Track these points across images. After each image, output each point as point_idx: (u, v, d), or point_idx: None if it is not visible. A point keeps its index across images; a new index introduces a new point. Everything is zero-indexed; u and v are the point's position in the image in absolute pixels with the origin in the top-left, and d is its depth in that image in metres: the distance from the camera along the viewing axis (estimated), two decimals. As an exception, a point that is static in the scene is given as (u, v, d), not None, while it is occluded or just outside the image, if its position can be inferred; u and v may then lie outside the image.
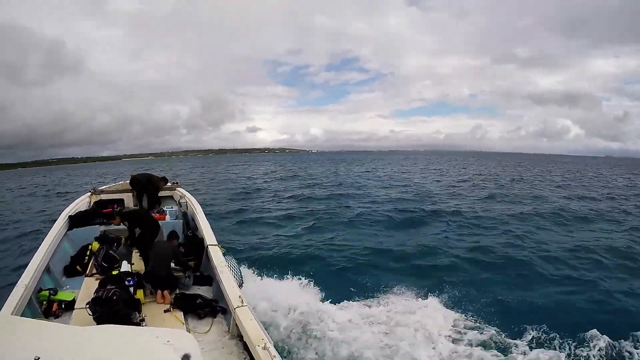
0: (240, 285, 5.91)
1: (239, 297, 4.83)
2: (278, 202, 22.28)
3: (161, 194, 10.63)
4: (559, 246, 12.38)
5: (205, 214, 8.32)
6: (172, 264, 6.25)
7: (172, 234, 6.90)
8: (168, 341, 2.67)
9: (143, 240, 7.12)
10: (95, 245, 7.30)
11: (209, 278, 6.54)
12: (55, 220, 8.14)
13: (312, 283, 8.48)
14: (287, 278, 8.81)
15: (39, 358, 2.13)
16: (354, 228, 15.30)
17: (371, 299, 8.09)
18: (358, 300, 7.98)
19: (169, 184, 11.22)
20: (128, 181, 10.49)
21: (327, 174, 45.90)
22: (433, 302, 7.85)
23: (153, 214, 8.73)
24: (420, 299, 8.06)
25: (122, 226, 7.71)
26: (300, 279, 8.72)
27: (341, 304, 7.65)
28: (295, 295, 7.61)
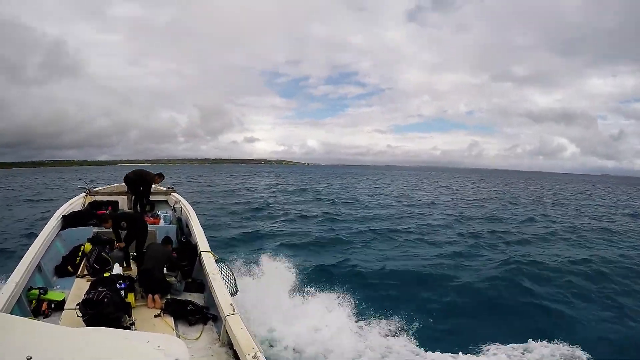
0: (234, 294, 5.90)
1: (231, 304, 4.83)
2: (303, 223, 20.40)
3: (156, 198, 10.63)
4: None
5: (201, 224, 8.25)
6: (165, 269, 6.22)
7: (167, 240, 6.96)
8: (159, 346, 2.67)
9: (135, 242, 7.17)
10: (88, 247, 7.28)
11: (200, 284, 6.50)
12: (48, 220, 8.12)
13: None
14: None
15: (31, 358, 2.11)
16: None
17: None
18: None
19: (163, 188, 11.26)
20: (123, 183, 10.42)
21: (338, 189, 45.38)
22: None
23: (146, 218, 8.80)
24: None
25: None
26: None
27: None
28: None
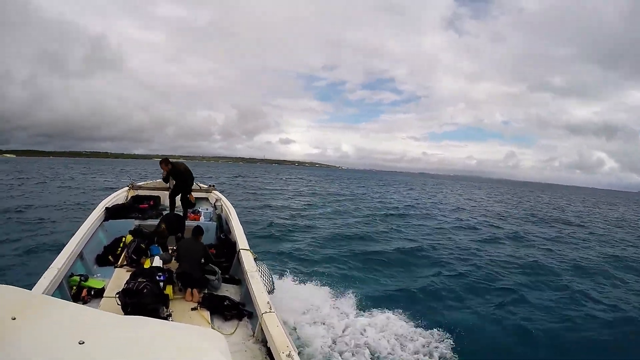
0: (271, 292, 5.97)
1: (267, 302, 4.89)
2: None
3: (197, 195, 10.86)
4: None
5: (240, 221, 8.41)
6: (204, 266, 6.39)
7: (198, 230, 6.87)
8: (202, 338, 2.72)
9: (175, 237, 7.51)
10: (129, 238, 7.58)
11: (237, 281, 6.68)
12: (92, 210, 8.45)
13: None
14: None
15: (83, 342, 2.16)
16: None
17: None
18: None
19: (205, 185, 11.65)
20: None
21: (405, 198, 42.54)
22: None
23: (188, 215, 9.20)
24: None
25: (156, 221, 8.11)
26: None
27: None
28: None
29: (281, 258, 12.22)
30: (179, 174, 9.09)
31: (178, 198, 9.51)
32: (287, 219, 21.12)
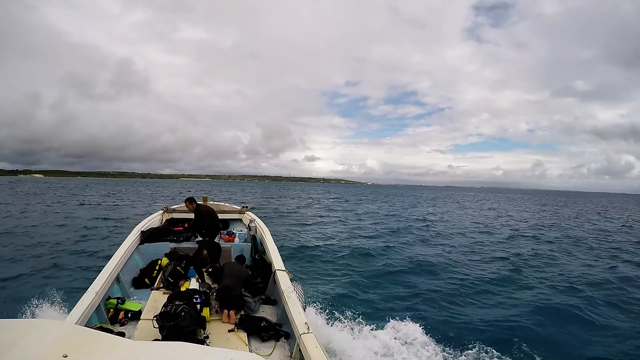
0: (304, 310, 5.97)
1: (305, 323, 4.89)
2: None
3: (230, 217, 11.15)
4: None
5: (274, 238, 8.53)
6: (243, 290, 6.46)
7: (241, 258, 7.24)
8: None
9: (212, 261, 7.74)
10: (165, 261, 7.80)
11: (273, 301, 6.71)
12: (128, 234, 8.68)
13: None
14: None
15: None
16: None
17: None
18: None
19: (238, 207, 11.83)
20: (200, 202, 10.91)
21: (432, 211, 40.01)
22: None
23: (222, 236, 9.32)
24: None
25: (191, 244, 8.41)
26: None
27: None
28: None
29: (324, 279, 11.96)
30: (199, 216, 8.42)
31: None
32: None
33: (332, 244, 18.14)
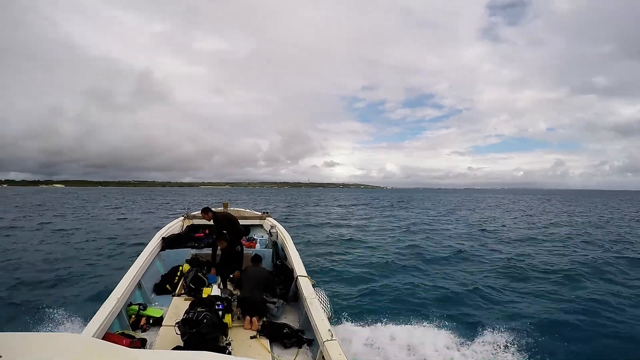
0: (330, 319, 5.87)
1: (329, 330, 4.81)
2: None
3: (251, 222, 11.21)
4: None
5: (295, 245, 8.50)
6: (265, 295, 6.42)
7: (257, 257, 7.16)
8: None
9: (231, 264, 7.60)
10: (186, 267, 7.86)
11: (296, 308, 6.66)
12: (149, 241, 8.76)
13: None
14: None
15: None
16: None
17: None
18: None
19: (258, 213, 11.89)
20: (221, 208, 11.11)
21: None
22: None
23: (242, 242, 9.16)
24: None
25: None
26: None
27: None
28: None
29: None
30: (218, 222, 8.36)
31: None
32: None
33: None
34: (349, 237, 21.50)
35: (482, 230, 26.06)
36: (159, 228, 10.03)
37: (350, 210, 48.85)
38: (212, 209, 8.62)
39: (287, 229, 9.97)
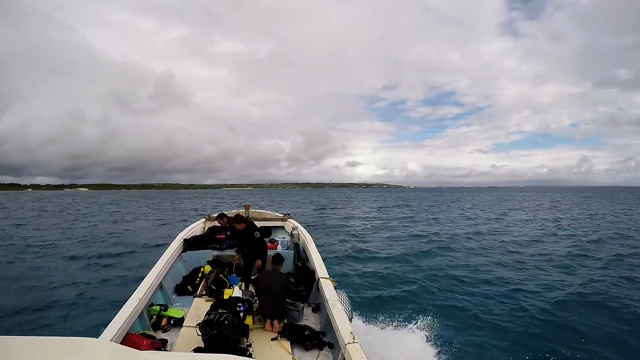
0: (350, 320, 5.82)
1: (351, 333, 4.75)
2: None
3: (273, 224, 11.28)
4: None
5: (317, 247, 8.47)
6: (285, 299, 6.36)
7: (278, 258, 6.98)
8: None
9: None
10: (207, 269, 7.90)
11: (317, 310, 6.63)
12: (171, 242, 8.85)
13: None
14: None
15: None
16: None
17: None
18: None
19: (280, 215, 11.91)
20: (242, 210, 11.21)
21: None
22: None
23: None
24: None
25: (233, 252, 8.46)
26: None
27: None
28: None
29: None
30: (233, 230, 8.18)
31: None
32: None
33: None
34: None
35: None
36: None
37: (391, 212, 45.60)
38: (227, 215, 9.01)
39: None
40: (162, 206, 61.28)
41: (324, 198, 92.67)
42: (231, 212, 11.19)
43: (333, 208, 53.88)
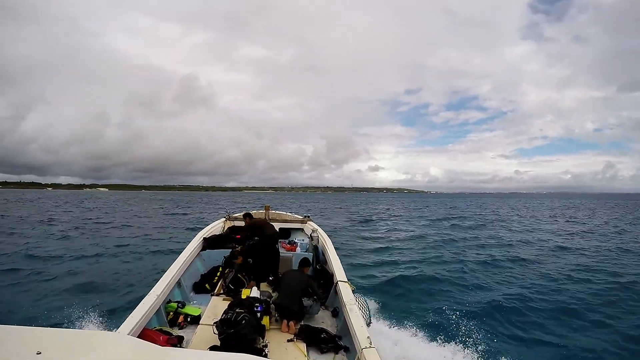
0: (368, 325, 5.75)
1: (367, 337, 4.71)
2: None
3: (292, 226, 11.33)
4: None
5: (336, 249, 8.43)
6: (304, 298, 6.33)
7: (304, 262, 7.07)
8: None
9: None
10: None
11: (334, 313, 6.59)
12: (191, 240, 8.94)
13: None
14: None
15: None
16: None
17: None
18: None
19: (299, 217, 11.95)
20: (262, 210, 11.25)
21: None
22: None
23: (283, 245, 9.37)
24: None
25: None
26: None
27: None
28: None
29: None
30: (253, 230, 8.57)
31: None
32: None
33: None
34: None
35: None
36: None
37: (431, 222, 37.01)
38: (252, 216, 9.23)
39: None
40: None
41: (354, 205, 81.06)
42: (254, 213, 11.26)
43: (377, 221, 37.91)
